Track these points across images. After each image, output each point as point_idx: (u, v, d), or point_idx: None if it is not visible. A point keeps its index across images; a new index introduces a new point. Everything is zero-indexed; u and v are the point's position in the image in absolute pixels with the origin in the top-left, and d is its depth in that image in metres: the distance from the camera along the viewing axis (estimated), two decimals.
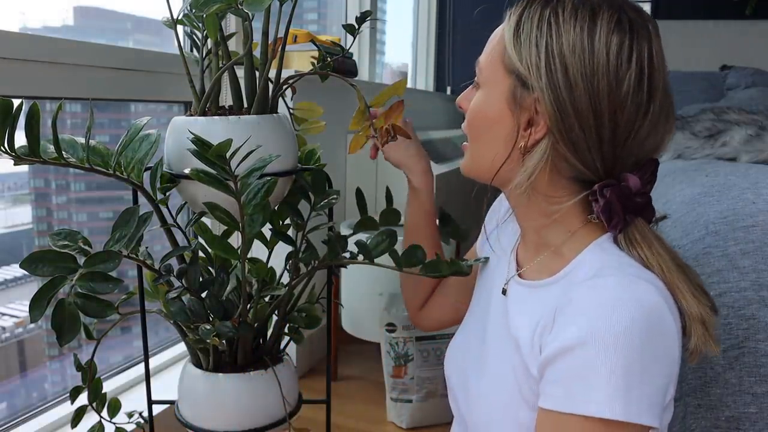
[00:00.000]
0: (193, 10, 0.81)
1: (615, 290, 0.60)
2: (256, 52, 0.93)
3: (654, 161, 0.68)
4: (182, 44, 0.93)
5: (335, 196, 1.01)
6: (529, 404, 0.68)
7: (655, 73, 0.65)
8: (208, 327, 0.86)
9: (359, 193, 1.04)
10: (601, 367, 0.57)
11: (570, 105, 0.63)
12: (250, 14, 0.86)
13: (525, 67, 0.66)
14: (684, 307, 0.64)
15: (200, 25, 0.94)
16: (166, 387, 1.28)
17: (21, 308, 1.66)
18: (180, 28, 0.97)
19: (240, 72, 0.93)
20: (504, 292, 0.78)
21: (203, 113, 0.90)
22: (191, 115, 0.91)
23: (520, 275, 0.77)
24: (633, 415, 0.57)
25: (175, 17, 0.94)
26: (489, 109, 0.71)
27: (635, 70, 0.63)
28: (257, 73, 0.92)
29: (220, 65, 0.93)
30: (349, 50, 1.06)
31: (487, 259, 0.89)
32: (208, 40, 0.94)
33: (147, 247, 0.91)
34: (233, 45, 1.14)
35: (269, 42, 0.91)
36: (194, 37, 0.98)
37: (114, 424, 0.98)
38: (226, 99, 0.97)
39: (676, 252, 0.68)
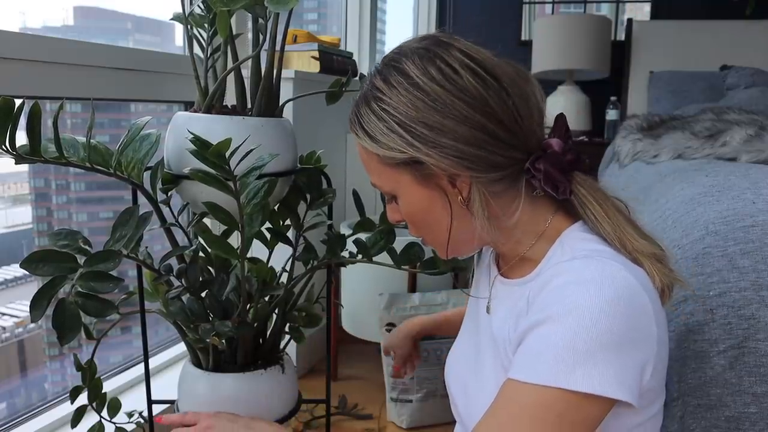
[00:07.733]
0: (218, 5, 0.81)
1: (584, 271, 0.63)
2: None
3: (559, 116, 0.72)
4: (185, 44, 0.93)
5: (331, 195, 1.02)
6: None
7: (482, 60, 0.68)
8: (208, 326, 0.86)
9: (356, 195, 1.04)
10: (560, 341, 0.60)
11: (455, 141, 0.66)
12: (267, 14, 0.86)
13: (399, 152, 0.69)
14: (636, 247, 0.67)
15: (205, 24, 0.94)
16: (166, 387, 1.27)
17: (21, 308, 1.65)
18: (181, 28, 0.97)
19: (245, 72, 0.93)
20: (488, 310, 0.80)
21: (208, 111, 0.90)
22: (195, 112, 0.91)
23: (501, 274, 0.80)
24: (592, 387, 0.59)
25: (186, 14, 0.94)
26: (416, 203, 0.74)
27: (465, 72, 0.67)
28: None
29: (227, 64, 0.93)
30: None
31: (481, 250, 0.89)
32: (213, 40, 0.94)
33: (147, 247, 0.91)
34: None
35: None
36: (199, 36, 0.97)
37: (114, 423, 0.99)
38: (229, 99, 0.96)
39: (618, 201, 0.72)
